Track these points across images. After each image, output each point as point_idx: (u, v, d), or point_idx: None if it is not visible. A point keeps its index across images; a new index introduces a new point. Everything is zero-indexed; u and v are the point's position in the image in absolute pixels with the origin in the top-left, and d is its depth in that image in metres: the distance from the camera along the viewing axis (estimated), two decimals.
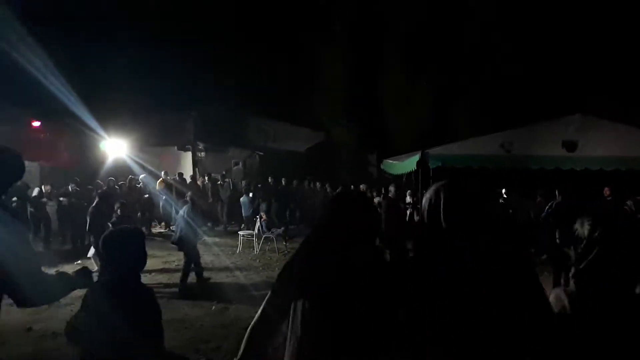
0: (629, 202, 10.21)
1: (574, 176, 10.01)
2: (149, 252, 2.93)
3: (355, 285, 1.89)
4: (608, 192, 10.74)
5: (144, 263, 2.49)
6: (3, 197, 2.29)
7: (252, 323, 2.07)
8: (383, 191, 14.32)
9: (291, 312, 1.98)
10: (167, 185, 14.13)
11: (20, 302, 2.24)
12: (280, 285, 2.06)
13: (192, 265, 8.23)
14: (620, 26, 17.83)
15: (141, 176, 14.81)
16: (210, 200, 15.37)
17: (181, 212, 8.50)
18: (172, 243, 8.62)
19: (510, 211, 11.39)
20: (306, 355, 1.92)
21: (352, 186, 15.19)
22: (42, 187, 12.25)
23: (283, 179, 16.34)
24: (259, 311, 2.07)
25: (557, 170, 10.01)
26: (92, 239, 8.50)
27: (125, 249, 2.39)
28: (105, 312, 2.23)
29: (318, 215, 2.25)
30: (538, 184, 11.89)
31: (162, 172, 14.80)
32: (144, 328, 2.29)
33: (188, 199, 8.89)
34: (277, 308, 2.04)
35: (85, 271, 2.58)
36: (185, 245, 8.21)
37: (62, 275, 2.53)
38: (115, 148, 16.27)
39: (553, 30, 19.20)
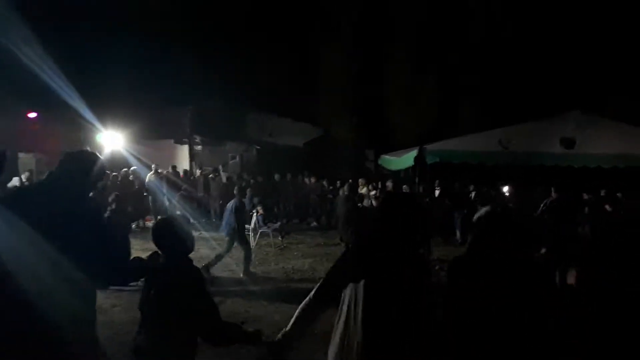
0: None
1: (572, 173, 9.99)
2: (147, 246, 3.00)
3: (402, 278, 2.18)
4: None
5: (192, 247, 2.79)
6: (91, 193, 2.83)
7: (304, 302, 2.34)
8: (379, 185, 14.30)
9: (343, 298, 2.29)
10: (159, 178, 14.02)
11: (102, 283, 2.73)
12: (332, 274, 2.33)
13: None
14: (622, 22, 17.79)
15: (132, 168, 14.70)
16: (202, 193, 15.29)
17: (230, 205, 8.63)
18: (225, 234, 8.76)
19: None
20: (351, 338, 2.18)
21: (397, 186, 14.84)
22: (22, 176, 12.01)
23: (275, 174, 16.25)
24: (312, 293, 2.33)
25: (555, 168, 9.99)
26: None
27: (176, 235, 2.68)
28: (167, 290, 2.56)
29: (371, 214, 2.67)
30: (536, 180, 11.88)
31: (153, 165, 14.65)
32: (203, 302, 2.62)
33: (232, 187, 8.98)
34: (327, 295, 2.32)
35: (155, 256, 2.85)
36: (238, 236, 8.48)
37: (137, 259, 2.93)
38: (111, 140, 16.16)
39: (554, 26, 19.13)
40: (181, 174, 15.45)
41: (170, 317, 2.53)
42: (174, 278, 2.60)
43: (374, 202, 10.55)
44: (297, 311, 2.33)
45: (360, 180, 14.45)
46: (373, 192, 12.35)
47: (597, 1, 18.61)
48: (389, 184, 13.73)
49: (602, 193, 11.12)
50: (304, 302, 2.34)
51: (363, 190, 13.74)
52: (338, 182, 15.14)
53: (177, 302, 2.53)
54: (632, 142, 9.77)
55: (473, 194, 13.05)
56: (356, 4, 22.54)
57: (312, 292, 2.33)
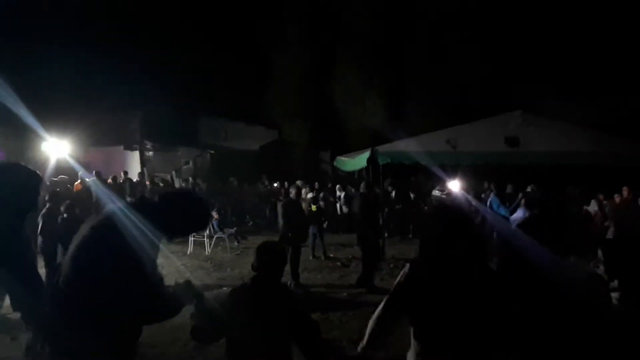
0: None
1: (519, 171, 10.37)
2: None
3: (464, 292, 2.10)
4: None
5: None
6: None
7: (375, 315, 2.29)
8: (316, 186, 14.28)
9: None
10: (85, 188, 13.52)
11: (147, 319, 2.31)
12: (396, 290, 2.26)
13: None
14: (561, 23, 18.65)
15: (80, 175, 14.18)
16: (130, 199, 14.80)
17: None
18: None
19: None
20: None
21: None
22: None
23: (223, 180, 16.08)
24: (380, 307, 2.29)
25: (502, 165, 10.35)
26: (40, 243, 7.96)
27: (272, 259, 2.68)
28: (256, 314, 2.53)
29: (426, 226, 2.45)
30: (484, 178, 12.27)
31: (79, 173, 14.10)
32: (301, 322, 2.62)
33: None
34: (393, 305, 2.26)
35: (189, 285, 2.57)
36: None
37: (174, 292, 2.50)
38: (57, 148, 15.49)
39: (496, 31, 19.84)
40: (109, 179, 14.86)
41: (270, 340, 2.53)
42: (269, 299, 2.62)
43: (311, 205, 10.51)
44: (371, 325, 2.30)
45: (298, 182, 14.50)
46: (310, 195, 12.35)
47: (535, 7, 19.48)
48: (362, 185, 13.71)
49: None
50: (375, 314, 2.31)
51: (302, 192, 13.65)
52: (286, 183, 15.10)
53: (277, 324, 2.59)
54: (573, 140, 10.25)
55: (393, 194, 13.28)
56: (305, 7, 22.65)
57: (380, 307, 2.31)
